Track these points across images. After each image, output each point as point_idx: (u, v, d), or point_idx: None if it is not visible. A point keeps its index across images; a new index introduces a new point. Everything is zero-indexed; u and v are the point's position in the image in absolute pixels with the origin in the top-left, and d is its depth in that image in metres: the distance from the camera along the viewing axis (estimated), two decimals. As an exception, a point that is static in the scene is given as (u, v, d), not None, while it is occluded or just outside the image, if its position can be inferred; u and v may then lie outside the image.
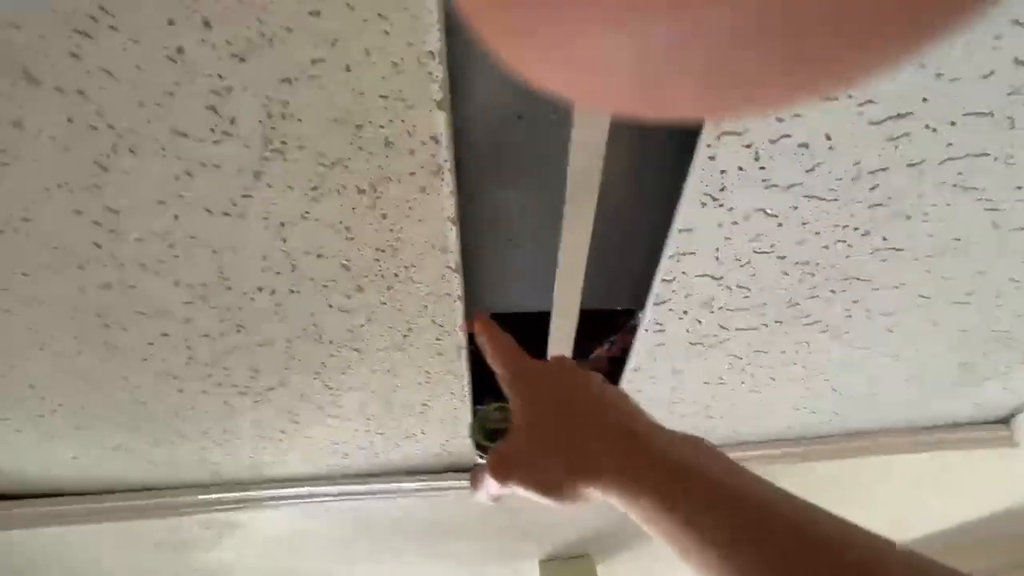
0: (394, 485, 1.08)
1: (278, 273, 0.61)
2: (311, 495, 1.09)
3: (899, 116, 0.54)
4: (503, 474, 0.37)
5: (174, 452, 0.92)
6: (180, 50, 0.42)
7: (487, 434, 0.52)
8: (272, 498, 1.08)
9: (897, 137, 0.56)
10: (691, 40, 0.08)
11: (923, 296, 0.78)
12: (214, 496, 1.06)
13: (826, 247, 0.68)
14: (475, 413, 0.85)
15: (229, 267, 0.60)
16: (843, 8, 0.08)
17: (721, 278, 0.71)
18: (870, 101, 0.53)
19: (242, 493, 1.07)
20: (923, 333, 0.85)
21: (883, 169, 0.59)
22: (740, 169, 0.58)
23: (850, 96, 0.52)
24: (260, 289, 0.63)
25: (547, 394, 0.41)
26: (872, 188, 0.61)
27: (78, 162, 0.48)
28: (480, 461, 0.44)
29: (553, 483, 0.35)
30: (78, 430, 0.83)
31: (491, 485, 0.39)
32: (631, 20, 0.08)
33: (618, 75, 0.09)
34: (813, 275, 0.72)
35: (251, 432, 0.89)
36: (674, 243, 0.65)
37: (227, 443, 0.91)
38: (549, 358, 0.47)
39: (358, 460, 1.02)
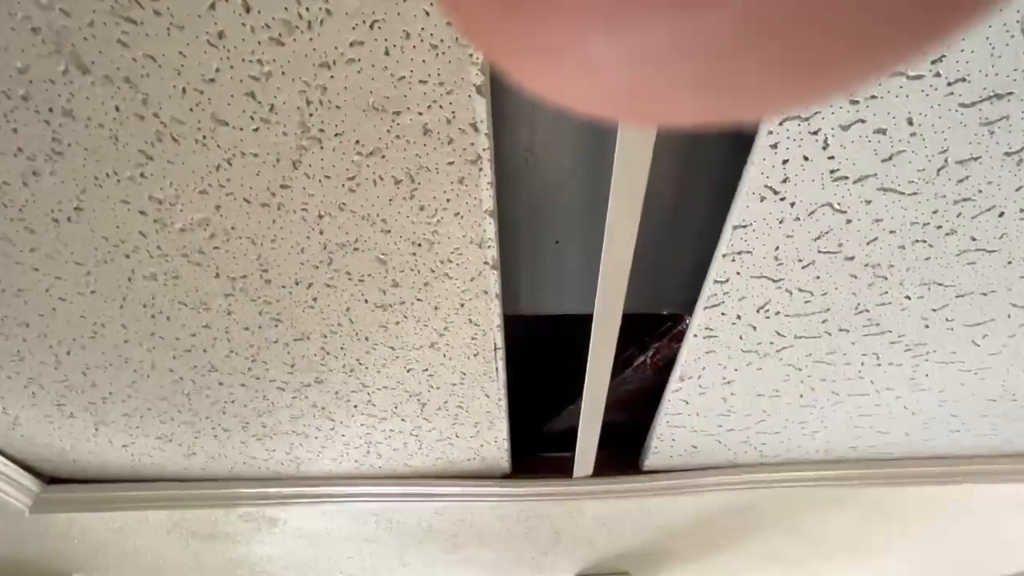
0: (427, 489, 1.06)
1: (315, 267, 0.61)
2: (346, 495, 1.08)
3: (996, 97, 0.48)
4: None
5: (217, 444, 0.94)
6: (221, 35, 0.42)
7: None
8: (310, 496, 1.09)
9: (993, 121, 0.49)
10: (688, 44, 0.08)
11: (1016, 305, 0.69)
12: (255, 491, 1.08)
13: (902, 247, 0.61)
14: None
15: (268, 259, 0.60)
16: (844, 10, 0.07)
17: (780, 280, 0.65)
18: (962, 79, 0.47)
19: (281, 488, 1.08)
20: (1014, 347, 0.76)
21: (975, 158, 0.53)
22: (805, 159, 0.53)
23: (938, 74, 0.46)
24: (297, 283, 0.62)
25: None
26: (960, 180, 0.54)
27: (125, 151, 0.49)
28: None
29: None
30: (127, 418, 0.86)
31: None
32: (624, 24, 0.08)
33: (612, 81, 0.09)
34: (886, 279, 0.65)
35: (288, 427, 0.89)
36: (728, 241, 0.60)
37: (266, 438, 0.92)
38: None
39: (392, 462, 1.00)
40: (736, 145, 0.55)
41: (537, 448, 1.13)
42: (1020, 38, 0.44)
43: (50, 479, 1.07)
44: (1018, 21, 0.43)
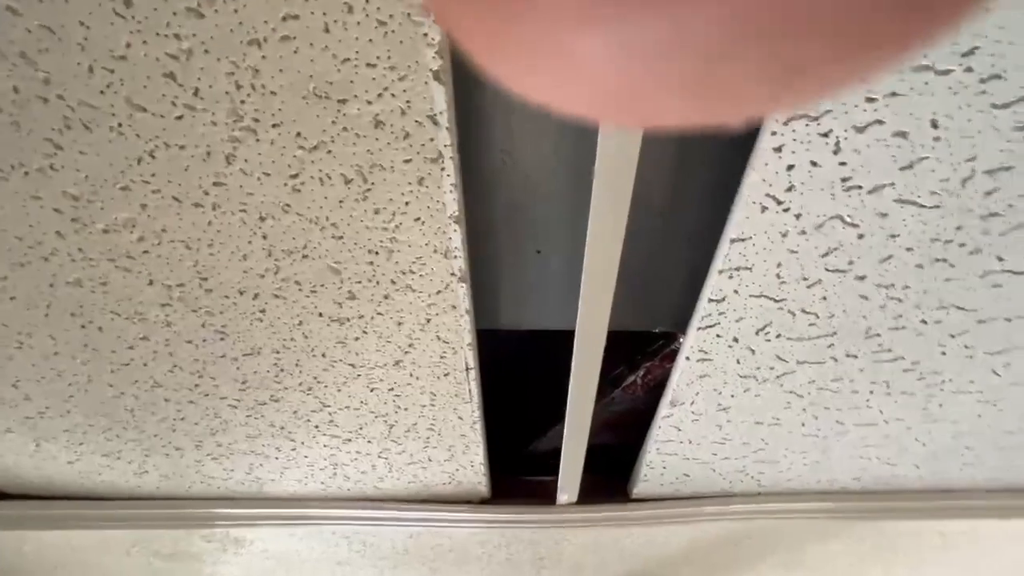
0: (400, 513, 0.99)
1: (261, 275, 0.54)
2: (314, 517, 1.01)
3: (1035, 97, 0.42)
4: None
5: (169, 463, 0.87)
6: (127, 2, 0.35)
7: None
8: (275, 517, 1.02)
9: (1030, 125, 0.43)
10: (673, 44, 0.08)
11: (1043, 333, 0.62)
12: (217, 511, 1.01)
13: (920, 267, 0.55)
14: None
15: (206, 266, 0.53)
16: (830, 9, 0.07)
17: (782, 300, 0.59)
18: (997, 76, 0.40)
19: (244, 509, 1.00)
20: (1038, 378, 0.69)
21: (1005, 168, 0.46)
22: (814, 164, 0.46)
23: (970, 69, 0.40)
24: (241, 292, 0.56)
25: None
26: (988, 193, 0.48)
27: (30, 139, 0.43)
28: None
29: None
30: (68, 433, 0.79)
31: None
32: (607, 20, 0.08)
33: (596, 81, 0.09)
34: (900, 301, 0.59)
35: (246, 447, 0.82)
36: (725, 255, 0.54)
37: (223, 457, 0.85)
38: None
39: (361, 484, 0.93)
40: (735, 146, 0.49)
41: (520, 469, 1.06)
42: (1068, 28, 0.38)
43: (-3, 494, 0.99)
44: (1066, 7, 0.37)
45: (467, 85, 0.45)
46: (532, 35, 0.08)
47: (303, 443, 0.81)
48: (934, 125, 0.43)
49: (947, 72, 0.40)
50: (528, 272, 0.64)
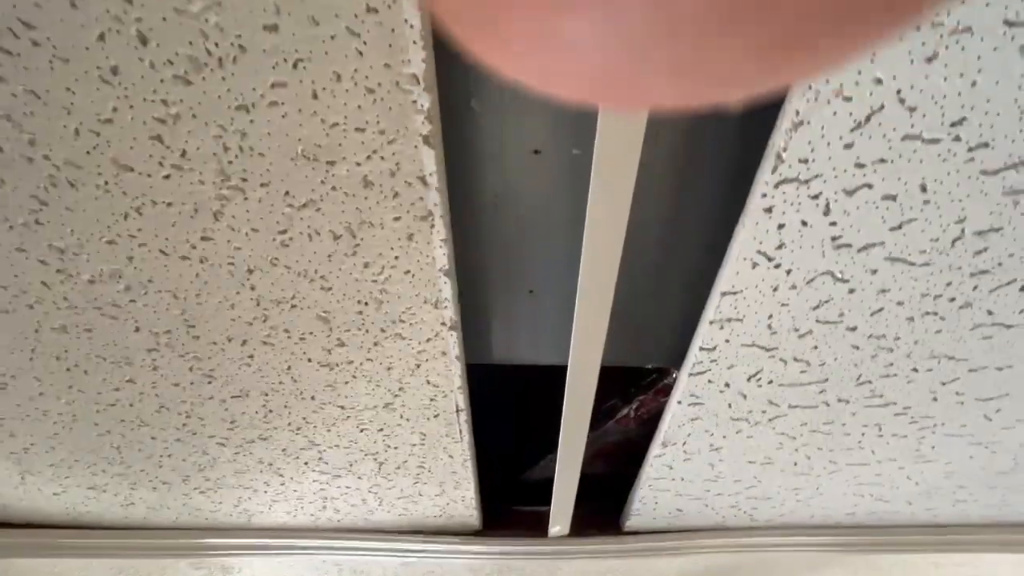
0: (391, 544, 0.98)
1: (249, 323, 0.53)
2: (303, 547, 1.00)
3: (1022, 164, 0.42)
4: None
5: (157, 496, 0.86)
6: (115, 70, 0.35)
7: None
8: (264, 547, 1.00)
9: (1019, 191, 0.43)
10: (663, 24, 0.08)
11: (1033, 381, 0.62)
12: (204, 540, 0.99)
13: (911, 319, 0.55)
14: None
15: (194, 314, 0.52)
16: None
17: (774, 349, 0.58)
18: (985, 144, 0.40)
19: (233, 540, 0.99)
20: (1029, 423, 0.69)
21: (995, 229, 0.46)
22: (804, 224, 0.46)
23: (958, 138, 0.40)
24: (230, 339, 0.55)
25: None
26: (978, 252, 0.48)
27: (15, 196, 0.42)
28: None
29: None
30: (54, 468, 0.78)
31: None
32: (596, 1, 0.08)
33: (587, 63, 0.09)
34: (891, 351, 0.58)
35: (234, 482, 0.81)
36: (716, 307, 0.54)
37: (210, 491, 0.84)
38: None
39: (351, 516, 0.92)
40: (728, 196, 0.49)
41: (513, 497, 1.05)
42: (1054, 102, 0.38)
43: (-19, 523, 0.98)
44: (1052, 83, 0.37)
45: (457, 142, 0.45)
46: (519, 17, 0.08)
47: (292, 478, 0.80)
48: (923, 189, 0.43)
49: (936, 141, 0.40)
50: (521, 310, 0.64)
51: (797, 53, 0.08)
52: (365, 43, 0.35)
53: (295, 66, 0.36)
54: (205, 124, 0.38)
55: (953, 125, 0.40)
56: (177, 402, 0.64)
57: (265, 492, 0.84)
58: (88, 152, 0.39)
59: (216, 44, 0.34)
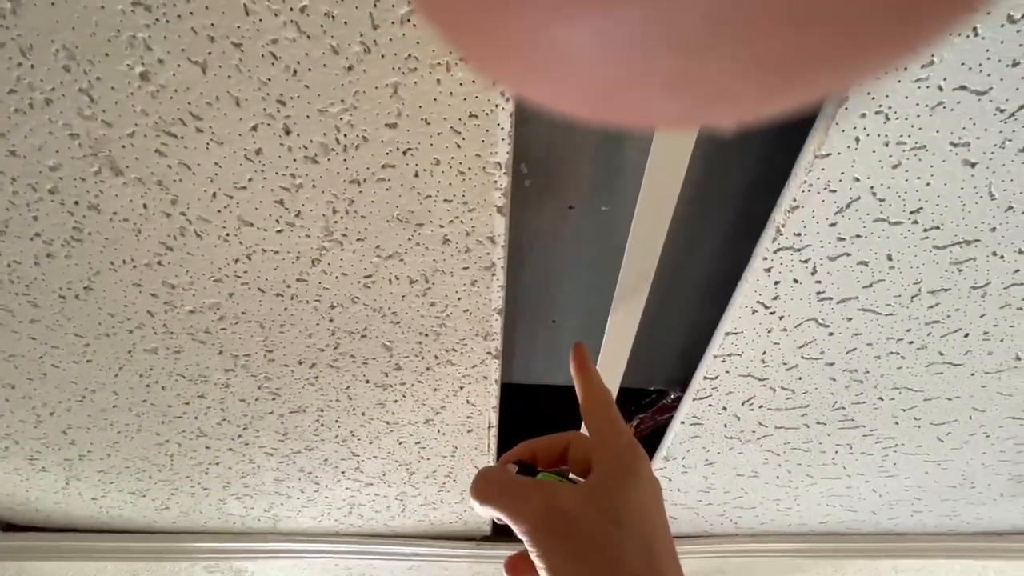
0: (403, 548, 1.05)
1: (321, 350, 0.61)
2: (321, 551, 1.06)
3: (965, 242, 0.53)
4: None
5: (193, 501, 0.91)
6: (259, 152, 0.43)
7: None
8: (282, 551, 1.06)
9: (962, 261, 0.55)
10: (659, 37, 0.08)
11: (976, 409, 0.74)
12: (218, 544, 1.05)
13: (878, 357, 0.66)
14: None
15: (274, 341, 0.60)
16: (824, 6, 0.07)
17: (765, 379, 0.69)
18: (936, 227, 0.52)
19: (252, 544, 1.05)
20: (975, 444, 0.81)
21: (944, 290, 0.58)
22: (795, 281, 0.57)
23: (916, 221, 0.51)
24: (300, 362, 0.63)
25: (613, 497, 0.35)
26: (931, 307, 0.59)
27: (146, 243, 0.50)
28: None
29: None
30: (102, 474, 0.83)
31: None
32: (587, 9, 0.07)
33: (580, 74, 0.09)
34: (861, 382, 0.70)
35: (271, 488, 0.88)
36: (720, 344, 0.64)
37: (246, 497, 0.90)
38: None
39: (372, 522, 0.99)
40: (736, 262, 0.59)
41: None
42: (987, 200, 0.49)
43: (6, 526, 1.01)
44: (987, 186, 0.48)
45: (518, 211, 0.54)
46: (515, 27, 0.08)
47: (326, 486, 0.87)
48: (889, 258, 0.54)
49: (899, 223, 0.51)
50: (542, 338, 0.73)
51: (798, 73, 0.08)
52: (464, 139, 0.44)
53: (404, 153, 0.44)
54: (322, 192, 0.47)
55: (912, 212, 0.51)
56: (239, 415, 0.71)
57: (297, 498, 0.91)
58: (219, 211, 0.47)
59: (345, 135, 0.43)
